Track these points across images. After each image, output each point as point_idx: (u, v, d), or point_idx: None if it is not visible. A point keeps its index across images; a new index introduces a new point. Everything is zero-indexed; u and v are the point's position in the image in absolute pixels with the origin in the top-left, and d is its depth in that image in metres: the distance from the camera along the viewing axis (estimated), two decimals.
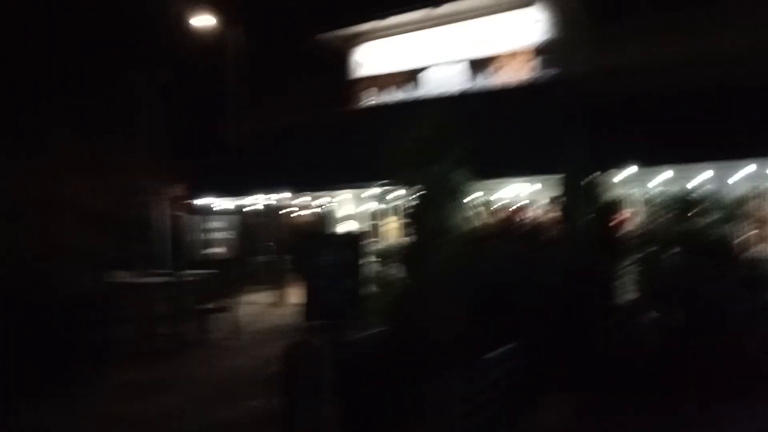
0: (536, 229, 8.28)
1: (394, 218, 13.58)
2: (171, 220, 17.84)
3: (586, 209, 7.72)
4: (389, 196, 12.35)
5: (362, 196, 13.58)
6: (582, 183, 7.83)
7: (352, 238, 10.09)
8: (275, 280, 13.96)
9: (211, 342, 8.59)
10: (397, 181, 10.35)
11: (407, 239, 4.14)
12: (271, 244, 17.02)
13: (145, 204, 15.06)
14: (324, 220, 17.74)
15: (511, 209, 11.08)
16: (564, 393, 5.59)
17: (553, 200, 12.04)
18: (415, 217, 9.80)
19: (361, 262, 9.84)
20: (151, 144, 13.00)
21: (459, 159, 10.06)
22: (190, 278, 10.37)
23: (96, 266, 11.45)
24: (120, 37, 19.23)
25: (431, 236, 4.26)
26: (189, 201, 15.33)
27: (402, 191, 10.73)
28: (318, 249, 9.79)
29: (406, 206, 9.94)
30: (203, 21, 18.01)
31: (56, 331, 6.12)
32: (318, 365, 3.59)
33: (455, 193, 10.06)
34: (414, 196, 10.23)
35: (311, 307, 9.80)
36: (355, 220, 14.50)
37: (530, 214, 10.82)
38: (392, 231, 13.57)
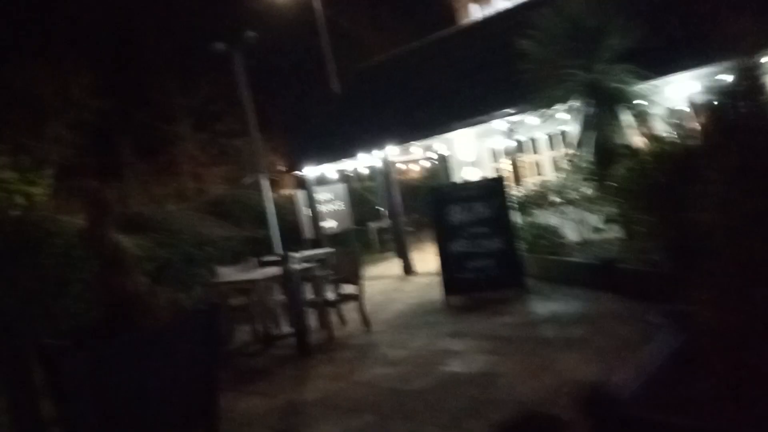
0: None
1: (537, 153, 11.21)
2: (277, 198, 16.78)
3: None
4: (525, 127, 10.06)
5: (485, 133, 11.28)
6: None
7: (492, 185, 7.93)
8: (396, 248, 12.29)
9: (339, 341, 6.94)
10: (539, 101, 8.03)
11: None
12: (384, 209, 15.37)
13: (251, 185, 13.89)
14: (442, 170, 15.75)
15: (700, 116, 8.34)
16: None
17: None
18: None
19: (509, 214, 7.71)
20: (252, 119, 11.64)
21: (617, 55, 7.50)
22: (305, 262, 8.89)
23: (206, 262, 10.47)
24: (205, 10, 18.28)
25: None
26: (294, 174, 13.89)
27: (543, 115, 8.41)
28: (449, 204, 7.79)
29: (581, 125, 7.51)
30: None
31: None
32: None
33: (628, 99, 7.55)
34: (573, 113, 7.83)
35: (451, 278, 7.88)
36: (478, 166, 12.29)
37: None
38: (533, 169, 11.24)
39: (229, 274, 8.44)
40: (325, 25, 16.75)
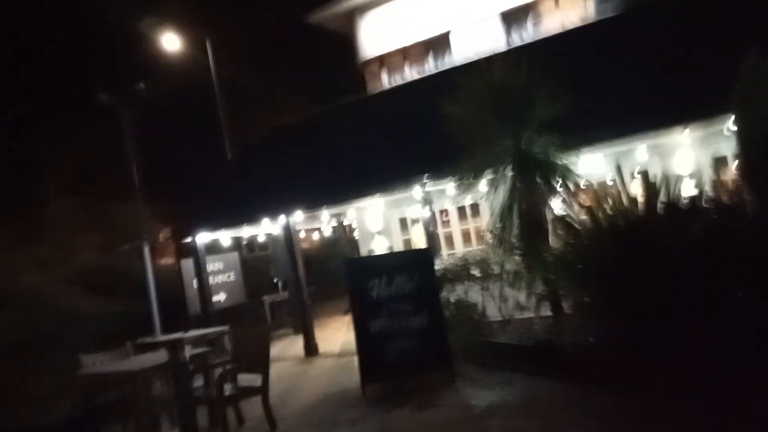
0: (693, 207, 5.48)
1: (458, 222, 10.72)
2: (161, 268, 14.99)
3: None
4: (442, 196, 9.57)
5: (397, 202, 10.71)
6: None
7: (418, 257, 7.22)
8: (298, 324, 11.13)
9: None
10: (462, 168, 7.54)
11: None
12: (279, 280, 14.19)
13: (132, 254, 12.22)
14: (345, 239, 14.99)
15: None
16: None
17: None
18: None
19: (436, 289, 6.98)
20: (137, 180, 10.29)
21: (544, 124, 7.26)
22: (194, 345, 7.54)
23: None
24: (92, 64, 16.75)
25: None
26: (183, 242, 12.37)
27: (465, 184, 7.92)
28: (370, 277, 6.92)
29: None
30: (173, 40, 15.50)
31: None
32: None
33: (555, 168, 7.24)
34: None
35: (371, 362, 6.90)
36: (387, 236, 11.63)
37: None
38: (451, 241, 10.72)
39: (97, 361, 6.89)
40: (223, 86, 15.89)
